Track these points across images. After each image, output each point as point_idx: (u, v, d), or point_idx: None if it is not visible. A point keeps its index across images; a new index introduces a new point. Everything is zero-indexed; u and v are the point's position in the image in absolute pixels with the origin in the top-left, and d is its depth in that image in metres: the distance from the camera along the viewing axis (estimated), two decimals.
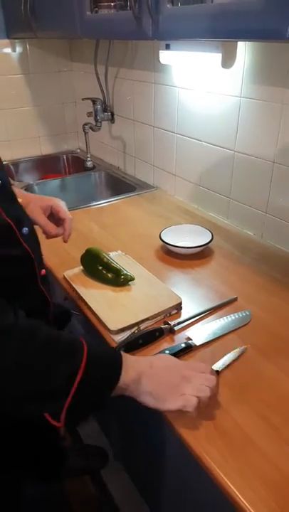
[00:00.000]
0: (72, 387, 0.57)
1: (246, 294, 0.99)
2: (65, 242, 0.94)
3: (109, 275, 0.98)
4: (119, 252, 1.13)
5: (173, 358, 0.73)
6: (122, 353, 0.66)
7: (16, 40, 1.86)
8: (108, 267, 0.99)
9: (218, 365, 0.76)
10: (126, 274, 0.98)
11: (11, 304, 0.62)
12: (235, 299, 0.97)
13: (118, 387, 0.62)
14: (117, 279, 0.98)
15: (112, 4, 1.12)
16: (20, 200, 0.79)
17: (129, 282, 0.99)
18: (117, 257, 1.09)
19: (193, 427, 0.66)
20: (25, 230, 0.73)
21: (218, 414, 0.68)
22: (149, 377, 0.64)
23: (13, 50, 1.89)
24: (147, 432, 0.98)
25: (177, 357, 0.76)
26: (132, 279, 0.98)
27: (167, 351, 0.77)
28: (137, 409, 0.97)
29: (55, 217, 0.95)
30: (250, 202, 1.26)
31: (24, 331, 0.59)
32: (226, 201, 1.35)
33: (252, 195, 1.25)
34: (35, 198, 0.95)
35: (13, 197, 0.76)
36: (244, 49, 1.12)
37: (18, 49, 1.90)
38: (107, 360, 0.63)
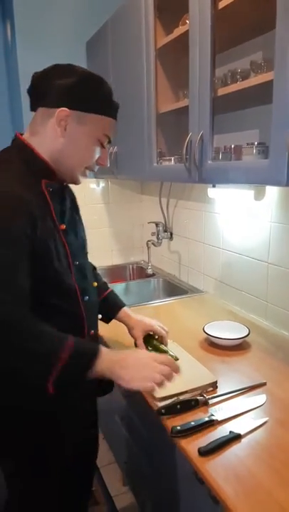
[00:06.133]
0: (58, 368, 0.80)
1: (275, 380, 1.15)
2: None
3: None
4: (169, 340, 1.36)
5: (144, 353, 0.98)
6: (103, 349, 0.87)
7: (101, 179, 2.44)
8: (157, 348, 1.22)
9: (242, 429, 0.91)
10: (171, 355, 1.19)
11: None
12: (264, 384, 1.13)
13: (94, 373, 0.85)
14: None
15: (172, 158, 1.56)
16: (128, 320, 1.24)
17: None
18: (169, 345, 1.32)
19: (216, 473, 0.80)
20: (86, 298, 1.02)
21: (238, 467, 0.82)
22: (121, 369, 0.87)
23: (98, 185, 2.46)
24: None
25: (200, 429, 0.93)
26: (177, 359, 1.19)
27: (193, 423, 0.93)
28: (170, 482, 1.09)
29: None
30: (285, 305, 1.47)
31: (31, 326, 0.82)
32: (264, 304, 1.56)
33: (286, 300, 1.46)
34: (139, 323, 1.26)
35: (86, 273, 1.07)
36: (273, 187, 1.46)
37: (102, 185, 2.47)
38: (86, 351, 0.86)
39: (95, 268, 1.31)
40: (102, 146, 0.99)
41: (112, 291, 1.33)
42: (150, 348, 1.24)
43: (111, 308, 1.29)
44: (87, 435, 1.18)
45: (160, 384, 0.89)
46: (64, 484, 1.09)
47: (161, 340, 1.27)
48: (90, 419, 1.18)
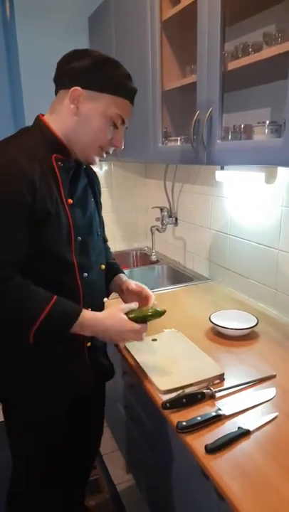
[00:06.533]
0: (37, 321, 0.87)
1: (285, 372, 1.09)
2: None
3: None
4: (173, 329, 1.31)
5: (123, 323, 0.98)
6: (83, 312, 0.94)
7: (103, 162, 2.36)
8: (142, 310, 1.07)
9: (251, 425, 0.86)
10: (158, 310, 1.05)
11: None
12: (274, 376, 1.07)
13: (72, 331, 0.93)
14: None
15: (178, 139, 1.48)
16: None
17: (181, 355, 1.14)
18: (171, 334, 1.27)
19: (223, 471, 0.76)
20: (85, 274, 1.02)
21: (246, 464, 0.77)
22: (101, 335, 0.99)
23: (100, 169, 2.38)
24: (185, 492, 1.03)
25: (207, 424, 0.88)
26: (164, 312, 1.05)
27: (199, 418, 0.88)
28: (175, 473, 1.05)
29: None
30: None
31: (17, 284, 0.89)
32: (272, 293, 1.50)
33: None
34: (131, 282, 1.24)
35: (90, 251, 1.06)
36: (285, 169, 1.38)
37: (105, 168, 2.39)
38: (68, 311, 0.93)
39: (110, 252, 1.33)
40: (115, 126, 1.00)
41: (115, 262, 1.31)
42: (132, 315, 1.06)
43: (110, 272, 1.24)
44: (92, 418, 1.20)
45: None
46: (65, 464, 1.11)
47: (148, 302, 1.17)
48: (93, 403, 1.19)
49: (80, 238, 1.01)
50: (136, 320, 1.01)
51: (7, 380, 1.04)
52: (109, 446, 1.85)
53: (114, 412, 1.64)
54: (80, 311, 0.94)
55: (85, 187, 1.10)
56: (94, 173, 1.20)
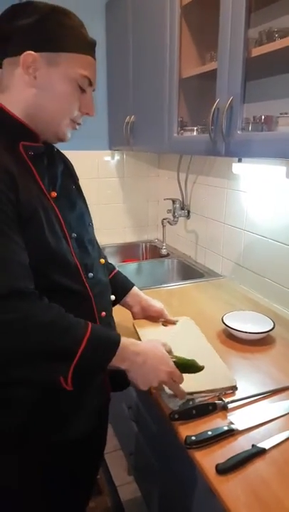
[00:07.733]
0: (78, 351, 0.73)
1: None
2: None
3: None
4: (186, 317, 1.28)
5: (165, 358, 0.87)
6: (122, 340, 0.81)
7: (116, 151, 2.28)
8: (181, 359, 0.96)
9: (266, 443, 0.80)
10: (198, 366, 0.95)
11: None
12: None
13: (111, 366, 0.79)
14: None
15: (195, 128, 1.40)
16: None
17: (192, 353, 1.01)
18: (184, 322, 1.26)
19: (236, 496, 0.70)
20: (90, 274, 0.91)
21: (261, 489, 0.71)
22: (136, 370, 0.83)
23: (112, 158, 2.30)
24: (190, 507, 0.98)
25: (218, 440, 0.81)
26: (202, 368, 0.94)
27: (210, 432, 0.82)
28: (180, 482, 1.00)
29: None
30: None
31: (46, 303, 0.76)
32: None
33: None
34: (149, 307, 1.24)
35: (88, 248, 0.95)
36: None
37: (117, 157, 2.31)
38: (106, 341, 0.80)
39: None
40: (82, 89, 0.84)
41: (119, 271, 1.23)
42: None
43: (120, 288, 1.19)
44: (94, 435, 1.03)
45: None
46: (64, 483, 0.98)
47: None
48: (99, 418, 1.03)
49: (75, 235, 0.89)
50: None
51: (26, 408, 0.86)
52: (111, 445, 1.81)
53: (118, 410, 1.59)
54: (120, 336, 0.82)
55: (63, 172, 0.95)
56: (62, 154, 1.02)
